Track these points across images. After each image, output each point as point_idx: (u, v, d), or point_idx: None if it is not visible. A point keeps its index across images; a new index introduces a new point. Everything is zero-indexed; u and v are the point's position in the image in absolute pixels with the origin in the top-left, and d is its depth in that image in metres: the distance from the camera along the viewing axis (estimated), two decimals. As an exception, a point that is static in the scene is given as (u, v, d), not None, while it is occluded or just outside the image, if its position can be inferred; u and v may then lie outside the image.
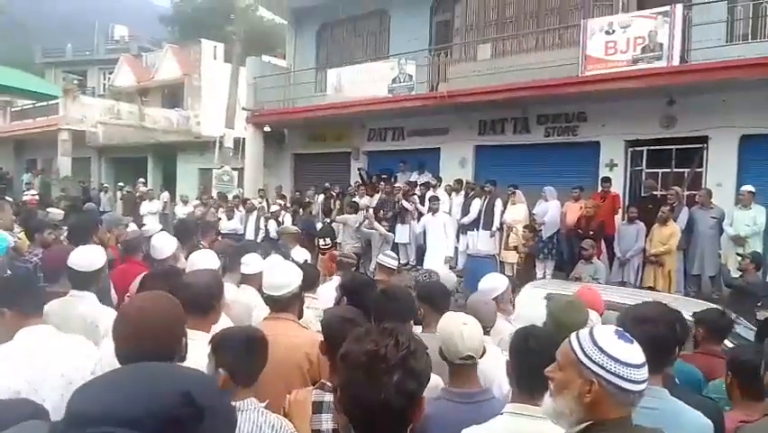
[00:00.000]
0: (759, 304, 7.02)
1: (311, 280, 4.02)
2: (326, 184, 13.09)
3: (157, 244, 4.32)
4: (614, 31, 9.37)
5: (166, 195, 15.63)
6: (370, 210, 10.35)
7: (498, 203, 10.29)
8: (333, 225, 10.51)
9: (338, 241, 10.27)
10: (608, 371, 1.49)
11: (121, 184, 18.12)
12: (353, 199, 11.50)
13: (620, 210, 9.64)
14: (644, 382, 1.51)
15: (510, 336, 3.60)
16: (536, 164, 11.24)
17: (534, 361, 2.11)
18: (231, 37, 19.28)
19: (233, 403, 2.00)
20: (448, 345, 2.45)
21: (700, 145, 9.61)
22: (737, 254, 7.55)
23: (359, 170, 13.87)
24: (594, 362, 1.51)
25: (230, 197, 13.71)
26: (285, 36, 17.22)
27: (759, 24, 9.33)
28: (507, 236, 9.99)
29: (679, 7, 8.88)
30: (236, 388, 2.05)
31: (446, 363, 2.46)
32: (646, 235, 8.54)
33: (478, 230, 10.41)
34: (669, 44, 8.91)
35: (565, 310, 2.74)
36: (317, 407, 2.30)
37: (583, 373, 1.53)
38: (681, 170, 9.88)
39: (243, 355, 2.05)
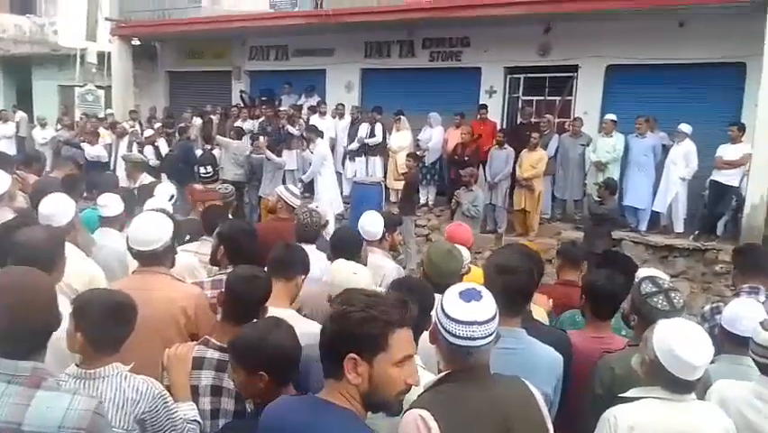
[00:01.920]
0: (614, 227, 7.85)
1: (213, 225, 3.81)
2: (207, 107, 12.35)
3: None
4: (497, -45, 9.37)
5: (21, 115, 13.97)
6: (262, 138, 9.97)
7: (379, 129, 10.36)
8: (215, 151, 10.02)
9: (220, 167, 9.88)
10: (443, 328, 1.70)
11: (-35, 102, 15.94)
12: (236, 124, 11.00)
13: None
14: (481, 337, 1.66)
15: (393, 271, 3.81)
16: (421, 89, 11.34)
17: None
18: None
19: (92, 370, 1.94)
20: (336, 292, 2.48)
21: (571, 74, 10.13)
22: (594, 183, 8.24)
23: (240, 92, 13.20)
24: (438, 320, 1.73)
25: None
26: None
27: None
28: (395, 163, 10.14)
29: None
30: (97, 354, 1.96)
31: None
32: (516, 161, 9.03)
33: (365, 156, 10.49)
34: (547, -28, 9.10)
35: (444, 258, 2.88)
36: (198, 362, 2.27)
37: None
38: (554, 98, 10.42)
39: (106, 323, 1.94)
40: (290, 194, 4.69)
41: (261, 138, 9.99)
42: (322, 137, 9.73)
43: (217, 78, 14.08)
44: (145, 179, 6.25)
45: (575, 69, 10.04)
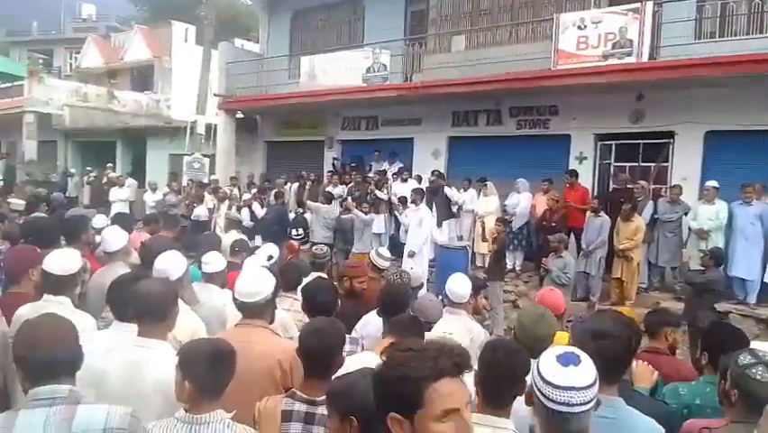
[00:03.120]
0: (721, 297, 7.33)
1: (293, 282, 4.02)
2: (302, 173, 13.02)
3: (108, 237, 4.23)
4: (586, 26, 9.49)
5: (131, 182, 15.32)
6: (349, 199, 10.41)
7: (470, 193, 10.48)
8: (306, 215, 10.49)
9: (310, 230, 10.29)
10: (540, 392, 1.67)
11: (88, 169, 17.71)
12: (327, 189, 11.50)
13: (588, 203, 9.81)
14: (579, 404, 1.62)
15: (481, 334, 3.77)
16: (509, 156, 11.36)
17: (500, 372, 2.20)
18: (202, 19, 18.87)
19: (198, 416, 2.05)
20: None
21: (667, 140, 9.83)
22: (699, 250, 7.80)
23: (333, 159, 13.85)
24: (535, 383, 1.69)
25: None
26: (258, 19, 16.92)
27: (726, 23, 9.52)
28: (482, 228, 10.11)
29: (649, 4, 9.02)
30: (202, 400, 2.08)
31: None
32: (613, 228, 8.75)
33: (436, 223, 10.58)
34: (639, 40, 9.06)
35: (536, 322, 2.85)
36: (286, 415, 2.34)
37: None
38: (648, 164, 10.10)
39: (209, 369, 2.07)
40: (379, 257, 4.84)
41: (350, 198, 10.38)
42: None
43: (311, 147, 14.87)
44: (234, 235, 6.70)
45: (671, 135, 9.75)
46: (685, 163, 9.55)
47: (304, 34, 15.53)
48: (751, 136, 8.94)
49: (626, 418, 2.16)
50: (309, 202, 10.87)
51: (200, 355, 2.11)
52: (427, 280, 9.53)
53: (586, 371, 1.67)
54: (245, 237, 6.19)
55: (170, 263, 3.42)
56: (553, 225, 9.18)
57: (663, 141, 9.87)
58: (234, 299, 2.81)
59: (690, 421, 2.57)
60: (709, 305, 6.52)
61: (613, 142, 10.46)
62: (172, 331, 2.75)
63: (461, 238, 10.51)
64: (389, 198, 10.81)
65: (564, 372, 1.65)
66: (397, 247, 10.46)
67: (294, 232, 10.13)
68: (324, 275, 4.13)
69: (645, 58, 9.07)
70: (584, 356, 1.72)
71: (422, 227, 9.48)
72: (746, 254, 7.94)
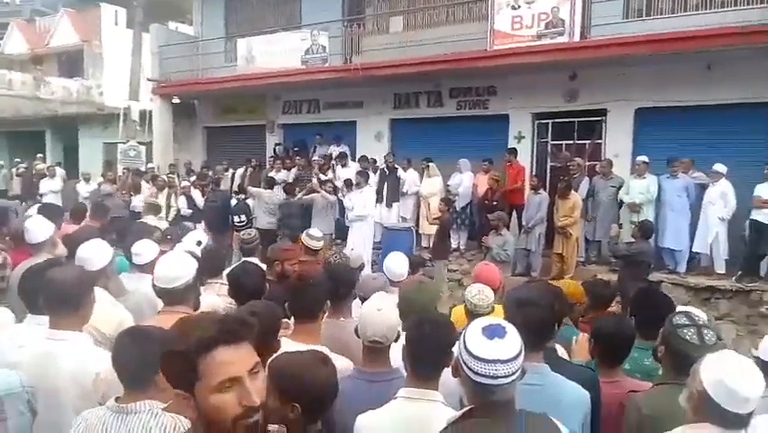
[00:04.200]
0: (650, 267, 7.65)
1: (218, 265, 3.92)
2: (252, 160, 12.73)
3: (31, 229, 4.02)
4: (519, 6, 9.60)
5: (60, 171, 14.53)
6: (314, 180, 10.36)
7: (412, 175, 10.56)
8: (248, 201, 10.28)
9: (253, 216, 10.10)
10: (466, 365, 1.67)
11: (17, 160, 16.76)
12: (269, 174, 11.30)
13: (524, 181, 10.02)
14: (504, 376, 1.63)
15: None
16: (450, 137, 11.47)
17: (427, 345, 2.19)
18: (132, 1, 18.08)
19: (125, 405, 1.96)
20: (360, 327, 2.49)
21: (600, 118, 10.12)
22: (631, 222, 8.10)
23: (276, 144, 13.61)
24: (461, 356, 1.69)
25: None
26: (191, 0, 16.34)
27: (654, 1, 9.80)
28: (428, 209, 10.18)
29: (579, -16, 9.19)
30: (130, 390, 2.00)
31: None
32: (553, 204, 8.97)
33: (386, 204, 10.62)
34: (570, 20, 9.25)
35: (416, 291, 2.88)
36: None
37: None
38: (583, 141, 10.38)
39: (130, 357, 1.99)
40: (311, 238, 4.76)
41: (314, 180, 10.36)
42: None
43: (252, 131, 14.56)
44: (151, 221, 6.67)
45: (604, 112, 10.04)
46: (617, 140, 9.85)
47: (239, 16, 15.06)
48: (678, 112, 9.29)
49: (553, 384, 2.20)
50: (251, 188, 10.66)
51: (121, 344, 2.04)
52: (374, 262, 9.59)
53: (511, 343, 1.67)
54: (165, 224, 6.07)
55: (93, 253, 3.27)
56: (494, 203, 9.35)
57: (597, 118, 10.15)
58: (154, 286, 2.70)
59: (616, 384, 2.66)
60: (640, 275, 6.78)
61: (549, 121, 10.68)
62: (93, 323, 2.63)
63: (405, 220, 10.55)
64: (333, 183, 10.70)
65: (490, 344, 1.66)
66: (342, 230, 10.45)
67: (236, 219, 9.91)
68: (256, 260, 4.03)
69: (577, 37, 9.26)
70: (510, 328, 1.72)
71: (366, 209, 9.49)
72: (674, 226, 8.31)
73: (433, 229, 9.49)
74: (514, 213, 9.73)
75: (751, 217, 7.72)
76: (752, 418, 1.86)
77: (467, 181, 10.31)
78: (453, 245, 10.05)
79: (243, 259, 4.17)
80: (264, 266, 3.74)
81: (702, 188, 8.36)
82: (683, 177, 8.44)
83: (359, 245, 8.76)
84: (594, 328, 2.86)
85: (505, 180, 9.89)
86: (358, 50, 12.00)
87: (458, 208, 10.19)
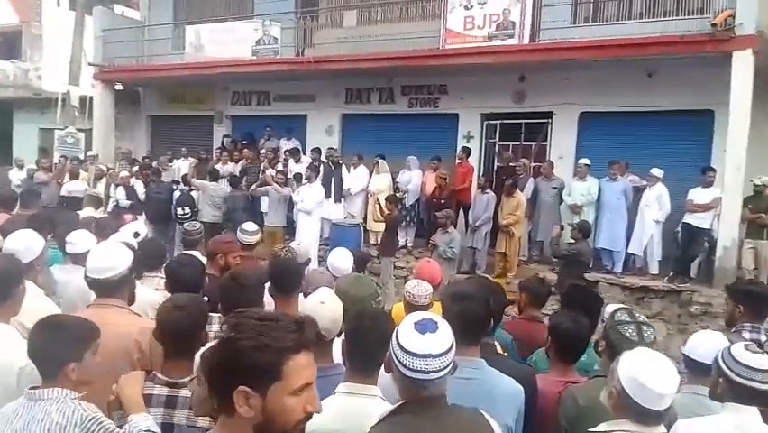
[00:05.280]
0: (589, 267, 7.90)
1: (157, 258, 3.78)
2: (202, 152, 12.43)
3: None
4: (472, 6, 9.71)
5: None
6: (268, 172, 10.17)
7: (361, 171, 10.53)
8: (193, 193, 10.02)
9: (197, 209, 9.86)
10: (398, 359, 1.67)
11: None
12: (215, 166, 11.05)
13: (471, 181, 10.16)
14: (435, 370, 1.63)
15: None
16: (401, 134, 11.54)
17: (368, 338, 2.17)
18: (75, -19, 17.33)
19: (33, 391, 1.95)
20: None
21: (546, 120, 10.37)
22: (569, 224, 8.34)
23: (224, 136, 13.32)
24: (393, 350, 1.69)
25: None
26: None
27: (600, 8, 10.10)
28: (377, 206, 10.17)
29: (530, -13, 9.38)
30: (43, 378, 2.00)
31: None
32: (498, 204, 9.14)
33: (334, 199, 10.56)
34: (520, 23, 9.43)
35: (352, 284, 2.88)
36: (146, 400, 2.18)
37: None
38: (529, 143, 10.62)
39: (38, 344, 1.99)
40: (244, 234, 4.57)
41: (268, 171, 10.18)
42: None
43: (200, 122, 14.21)
44: (90, 212, 6.39)
45: (550, 115, 10.29)
46: (562, 142, 10.13)
47: (189, 2, 14.63)
48: (620, 117, 9.64)
49: (488, 378, 2.23)
50: (195, 180, 10.39)
51: (32, 335, 2.03)
52: (321, 258, 9.52)
53: (443, 337, 1.68)
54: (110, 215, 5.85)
55: (22, 244, 3.09)
56: (443, 201, 9.44)
57: (543, 120, 10.40)
58: (86, 276, 2.58)
59: (543, 377, 2.72)
60: (578, 275, 6.99)
61: (498, 122, 10.87)
62: (20, 318, 2.52)
63: (353, 216, 10.53)
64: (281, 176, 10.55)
65: (421, 339, 1.65)
66: (290, 224, 10.33)
67: (180, 211, 9.65)
68: (197, 253, 3.92)
69: (527, 40, 9.45)
70: (442, 323, 1.72)
71: (314, 204, 9.41)
72: (611, 227, 8.63)
73: (381, 226, 9.51)
74: (461, 211, 9.86)
75: (684, 221, 8.08)
76: (668, 413, 1.92)
77: (416, 179, 10.37)
78: (401, 243, 10.10)
79: (183, 251, 4.05)
80: (205, 260, 3.65)
81: (639, 191, 8.69)
82: (622, 180, 8.76)
83: (306, 240, 8.66)
84: (551, 325, 2.90)
85: (453, 179, 10.00)
86: (311, 43, 11.88)
87: (407, 206, 10.25)
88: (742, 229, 7.89)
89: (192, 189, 10.20)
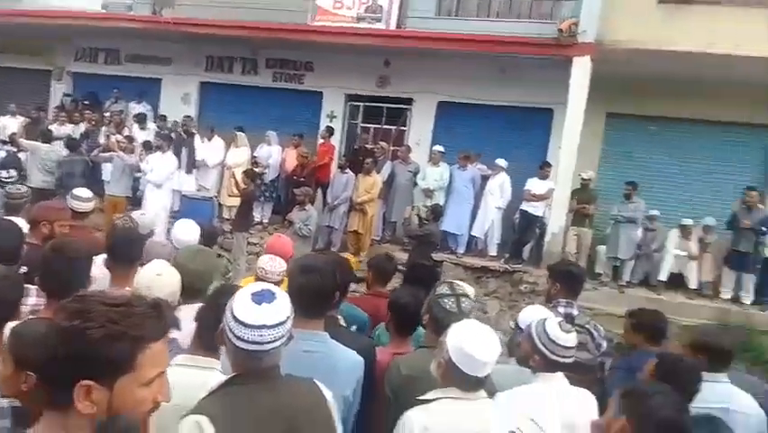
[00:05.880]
0: (437, 248, 8.37)
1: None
2: (33, 112, 11.14)
3: None
4: (342, -15, 9.70)
5: None
6: (113, 138, 9.37)
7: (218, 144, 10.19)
8: (20, 154, 8.98)
9: (25, 172, 8.87)
10: (231, 331, 1.63)
11: None
12: (50, 127, 9.97)
13: (333, 159, 10.24)
14: (270, 342, 1.62)
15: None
16: (263, 108, 11.26)
17: (208, 315, 2.13)
18: None
19: None
20: (137, 292, 2.33)
21: (407, 106, 10.72)
22: (423, 206, 8.77)
23: (64, 94, 12.04)
24: (226, 322, 1.66)
25: None
26: None
27: (463, 3, 10.52)
28: (233, 180, 9.84)
29: (399, -26, 9.56)
30: None
31: None
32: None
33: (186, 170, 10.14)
34: (388, 8, 9.61)
35: (191, 258, 2.83)
36: None
37: None
38: (390, 126, 10.92)
39: None
40: (74, 199, 4.16)
41: (113, 138, 9.43)
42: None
43: (35, 76, 12.80)
44: None
45: (410, 101, 10.65)
46: (420, 128, 10.55)
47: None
48: (473, 108, 10.20)
49: (331, 351, 2.28)
50: (24, 140, 9.31)
51: None
52: (169, 231, 9.04)
53: (279, 308, 1.66)
54: None
55: None
56: (302, 179, 9.41)
57: (404, 106, 10.73)
58: None
59: (381, 349, 2.86)
60: (427, 254, 7.40)
61: (361, 104, 11.03)
62: None
63: (206, 189, 10.13)
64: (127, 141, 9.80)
65: (257, 309, 1.63)
66: (135, 194, 9.69)
67: (4, 173, 8.56)
68: (20, 220, 3.52)
69: (393, 26, 9.66)
70: (280, 294, 1.71)
71: (165, 176, 8.91)
72: (457, 212, 9.23)
73: (236, 201, 9.26)
74: (319, 190, 9.90)
75: (521, 208, 8.86)
76: (488, 379, 2.12)
77: (275, 155, 10.22)
78: (257, 218, 9.93)
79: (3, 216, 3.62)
80: (28, 227, 3.29)
81: (485, 178, 9.35)
82: (471, 168, 9.36)
83: (154, 212, 8.17)
84: (390, 300, 3.01)
85: (314, 157, 10.00)
86: (171, 4, 11.09)
87: (266, 181, 10.07)
88: (569, 218, 8.81)
89: (20, 150, 9.13)
